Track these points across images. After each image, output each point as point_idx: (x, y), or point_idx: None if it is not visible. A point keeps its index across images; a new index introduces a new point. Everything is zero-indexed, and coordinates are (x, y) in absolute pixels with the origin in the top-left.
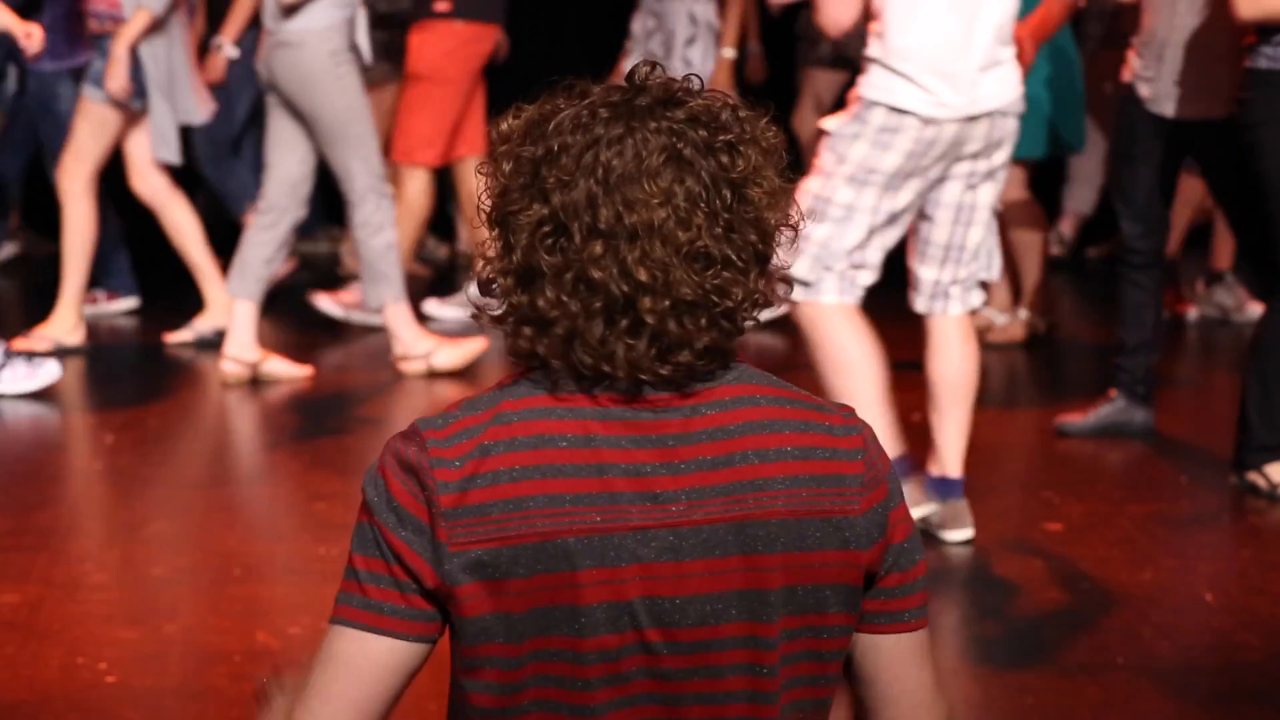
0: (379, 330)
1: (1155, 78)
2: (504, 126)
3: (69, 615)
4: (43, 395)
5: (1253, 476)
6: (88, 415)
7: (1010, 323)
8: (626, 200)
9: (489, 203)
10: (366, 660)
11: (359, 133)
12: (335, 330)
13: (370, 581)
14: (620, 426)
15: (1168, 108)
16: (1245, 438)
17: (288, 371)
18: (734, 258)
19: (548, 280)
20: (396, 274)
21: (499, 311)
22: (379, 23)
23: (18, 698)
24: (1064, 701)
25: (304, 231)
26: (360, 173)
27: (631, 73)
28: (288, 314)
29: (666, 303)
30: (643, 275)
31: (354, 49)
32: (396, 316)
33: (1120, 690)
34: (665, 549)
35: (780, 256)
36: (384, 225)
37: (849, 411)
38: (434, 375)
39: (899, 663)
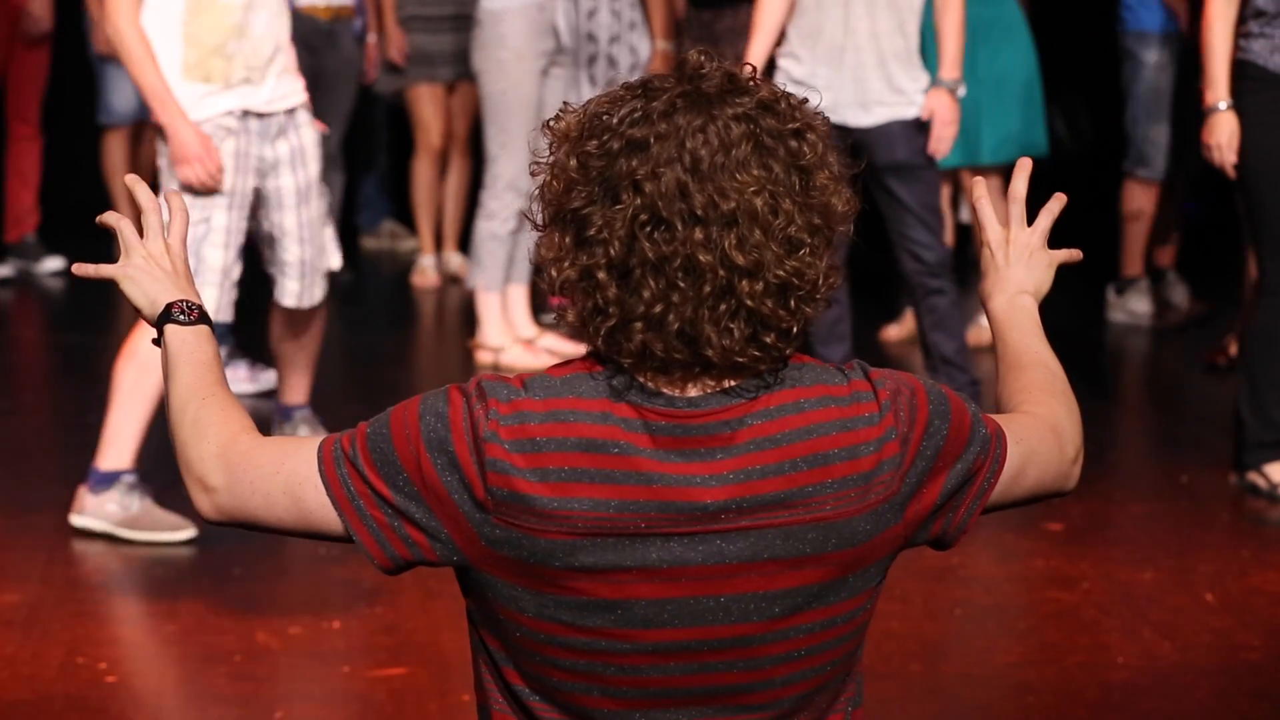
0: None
1: (830, 85)
2: (560, 125)
3: (69, 615)
4: (42, 394)
5: (1253, 476)
6: (87, 414)
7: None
8: (719, 187)
9: (549, 202)
10: (313, 508)
11: (506, 123)
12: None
13: (372, 494)
14: (669, 441)
15: (851, 116)
16: (1242, 437)
17: (525, 360)
18: (811, 241)
19: (649, 271)
20: (493, 263)
21: (587, 310)
22: (449, 25)
23: (18, 697)
24: (1064, 701)
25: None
26: (501, 161)
27: (684, 62)
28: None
29: (761, 285)
30: (740, 259)
31: (548, 36)
32: (483, 303)
33: (1120, 690)
34: (712, 553)
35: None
36: (497, 216)
37: (881, 380)
38: (496, 369)
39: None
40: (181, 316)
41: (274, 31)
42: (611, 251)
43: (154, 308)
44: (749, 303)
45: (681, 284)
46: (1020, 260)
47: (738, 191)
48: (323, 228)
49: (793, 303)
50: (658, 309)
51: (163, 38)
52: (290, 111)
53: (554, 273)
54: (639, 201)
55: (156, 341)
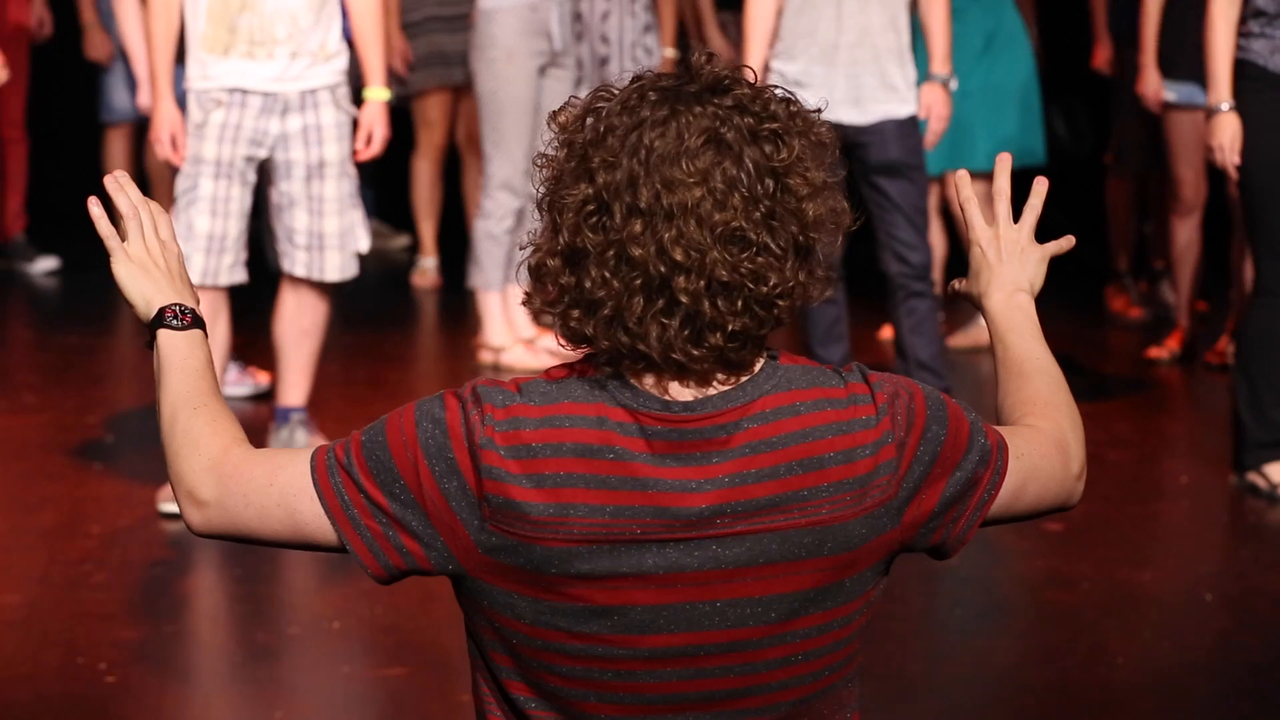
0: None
1: (824, 83)
2: (563, 117)
3: (69, 615)
4: (41, 394)
5: (1252, 476)
6: (87, 414)
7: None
8: (665, 180)
9: (542, 189)
10: (307, 519)
11: (498, 123)
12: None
13: (367, 502)
14: (665, 445)
15: (844, 114)
16: (1241, 437)
17: (526, 360)
18: (772, 244)
19: (592, 259)
20: (490, 264)
21: (551, 295)
22: (466, 25)
23: (18, 698)
24: (1064, 701)
25: None
26: (495, 160)
27: (684, 60)
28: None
29: (701, 283)
30: (679, 255)
31: (541, 37)
32: (484, 303)
33: (1120, 690)
34: (708, 559)
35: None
36: (492, 215)
37: (879, 382)
38: (497, 369)
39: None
40: (174, 321)
41: (289, 10)
42: (561, 239)
43: (148, 308)
44: (684, 300)
45: (617, 276)
46: (1013, 258)
47: (680, 185)
48: (345, 206)
49: (739, 304)
50: (598, 295)
51: (192, 12)
52: (311, 92)
53: (531, 260)
54: (589, 191)
55: (149, 345)
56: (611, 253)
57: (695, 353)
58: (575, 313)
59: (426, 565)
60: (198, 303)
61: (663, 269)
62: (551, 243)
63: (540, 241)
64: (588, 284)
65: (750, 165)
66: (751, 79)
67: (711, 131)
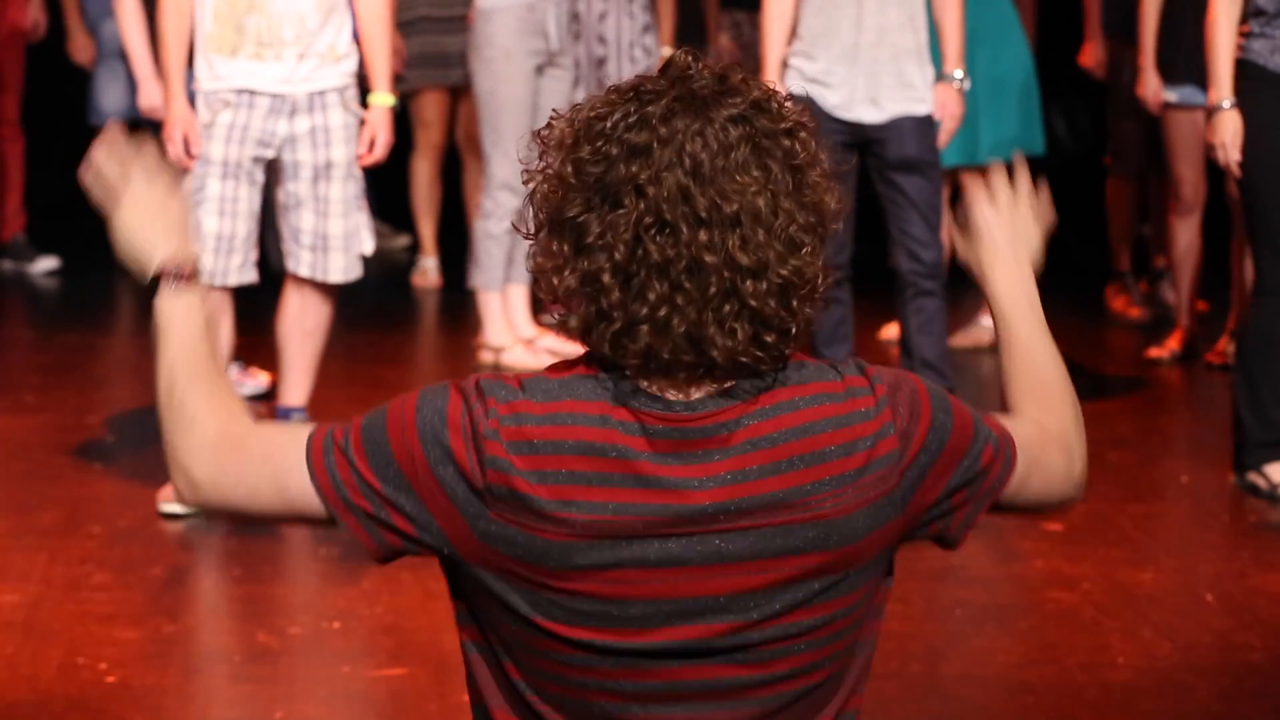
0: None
1: (845, 82)
2: (551, 133)
3: (69, 615)
4: (41, 394)
5: (1253, 476)
6: (88, 414)
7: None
8: (721, 189)
9: (543, 210)
10: (295, 495)
11: (497, 123)
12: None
13: (359, 482)
14: (667, 444)
15: (864, 113)
16: (1241, 437)
17: (526, 360)
18: (807, 240)
19: (653, 274)
20: (491, 264)
21: (591, 315)
22: (461, 26)
23: (18, 697)
24: (1064, 701)
25: None
26: (495, 160)
27: (672, 63)
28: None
29: (764, 285)
30: (745, 260)
31: (538, 37)
32: (484, 303)
33: (1120, 690)
34: (711, 553)
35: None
36: (492, 215)
37: (878, 375)
38: (497, 368)
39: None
40: (172, 284)
41: (297, 11)
42: (616, 256)
43: (144, 271)
44: (752, 303)
45: (686, 286)
46: (1008, 224)
47: (738, 193)
48: (350, 209)
49: (794, 302)
50: (662, 312)
51: (200, 12)
52: (319, 94)
53: (554, 280)
54: (642, 205)
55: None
56: (682, 265)
57: (759, 354)
58: (644, 327)
59: (421, 546)
60: (196, 256)
61: (728, 275)
62: (594, 263)
63: (558, 263)
64: (651, 297)
65: (782, 164)
66: (740, 75)
67: (747, 135)
